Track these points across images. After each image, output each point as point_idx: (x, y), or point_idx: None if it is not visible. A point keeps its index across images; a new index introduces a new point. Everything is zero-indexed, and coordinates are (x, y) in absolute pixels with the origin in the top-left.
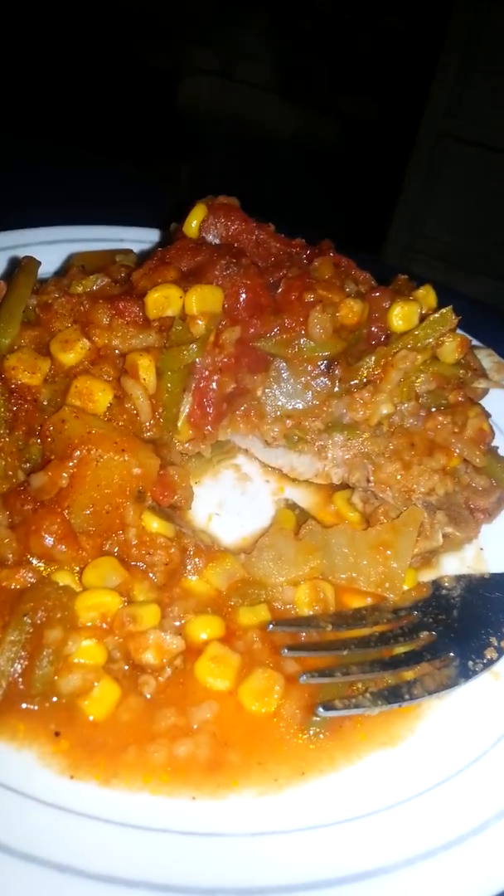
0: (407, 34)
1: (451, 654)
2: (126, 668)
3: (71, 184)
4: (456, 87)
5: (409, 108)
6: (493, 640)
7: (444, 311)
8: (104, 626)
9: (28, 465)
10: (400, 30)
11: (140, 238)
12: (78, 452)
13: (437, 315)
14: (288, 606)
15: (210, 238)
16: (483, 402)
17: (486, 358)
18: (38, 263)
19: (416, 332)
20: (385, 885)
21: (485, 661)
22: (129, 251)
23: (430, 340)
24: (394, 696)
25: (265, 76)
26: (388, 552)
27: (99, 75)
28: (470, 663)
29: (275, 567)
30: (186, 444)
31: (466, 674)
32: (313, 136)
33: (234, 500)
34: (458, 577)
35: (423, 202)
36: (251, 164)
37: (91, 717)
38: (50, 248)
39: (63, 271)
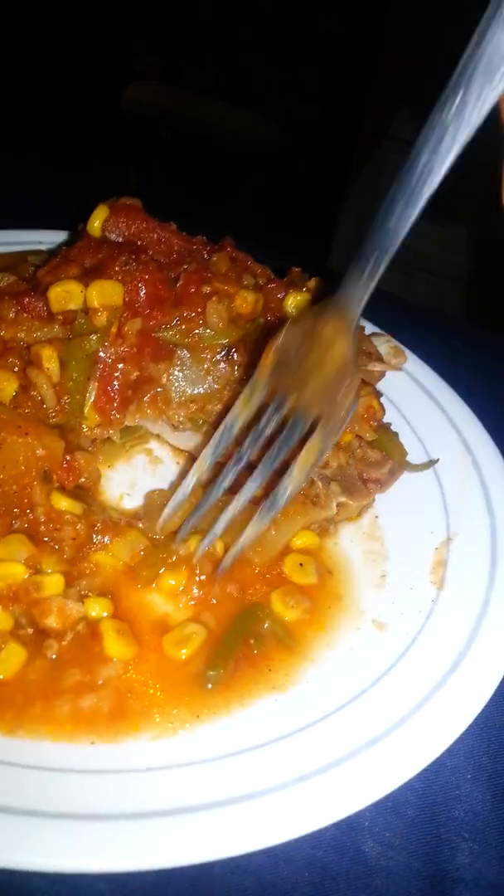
0: (345, 37)
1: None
2: (31, 632)
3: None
4: (394, 89)
5: (350, 110)
6: None
7: None
8: (11, 595)
9: None
10: (338, 33)
11: (58, 241)
12: None
13: None
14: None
15: (113, 237)
16: (382, 382)
17: (385, 344)
18: None
19: None
20: (262, 804)
21: None
22: (41, 252)
23: None
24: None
25: (209, 80)
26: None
27: (43, 79)
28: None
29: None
30: (95, 430)
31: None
32: (258, 138)
33: (145, 481)
34: None
35: (365, 200)
36: (197, 166)
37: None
38: None
39: None
